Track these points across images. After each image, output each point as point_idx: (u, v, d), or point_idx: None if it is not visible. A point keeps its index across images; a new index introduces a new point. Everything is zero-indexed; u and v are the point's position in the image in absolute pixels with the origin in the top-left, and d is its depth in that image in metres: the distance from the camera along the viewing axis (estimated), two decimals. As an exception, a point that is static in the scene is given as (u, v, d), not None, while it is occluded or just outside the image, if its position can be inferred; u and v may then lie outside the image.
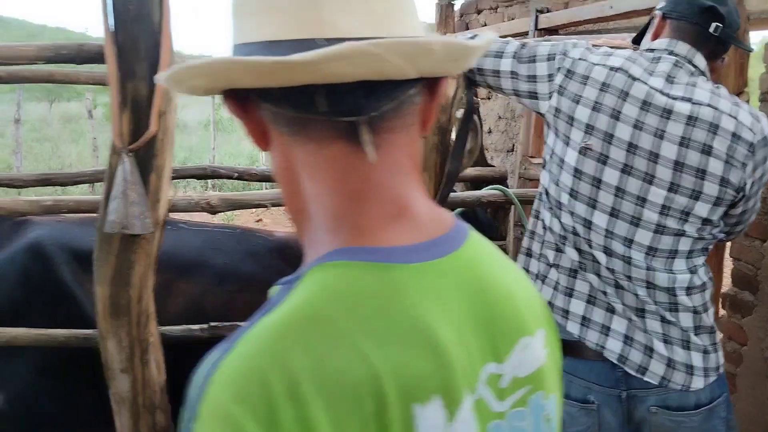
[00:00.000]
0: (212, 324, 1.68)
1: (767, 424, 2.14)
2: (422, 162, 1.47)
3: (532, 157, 2.70)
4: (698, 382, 1.45)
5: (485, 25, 4.37)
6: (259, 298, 1.95)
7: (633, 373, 1.47)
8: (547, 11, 2.81)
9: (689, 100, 1.41)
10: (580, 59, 1.49)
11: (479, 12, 4.56)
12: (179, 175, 2.44)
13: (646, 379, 1.46)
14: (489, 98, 4.51)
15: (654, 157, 1.41)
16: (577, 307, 1.50)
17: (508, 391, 0.58)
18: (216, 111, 13.50)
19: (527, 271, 1.59)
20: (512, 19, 4.00)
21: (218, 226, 2.06)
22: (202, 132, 17.56)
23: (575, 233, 1.49)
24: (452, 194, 1.86)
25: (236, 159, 12.78)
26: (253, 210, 7.60)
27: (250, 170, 2.36)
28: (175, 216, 1.90)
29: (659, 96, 1.42)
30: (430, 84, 0.58)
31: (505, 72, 1.57)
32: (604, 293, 1.49)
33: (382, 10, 0.53)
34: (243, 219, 7.86)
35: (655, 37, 1.52)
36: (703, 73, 1.47)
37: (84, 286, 1.68)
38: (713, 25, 1.43)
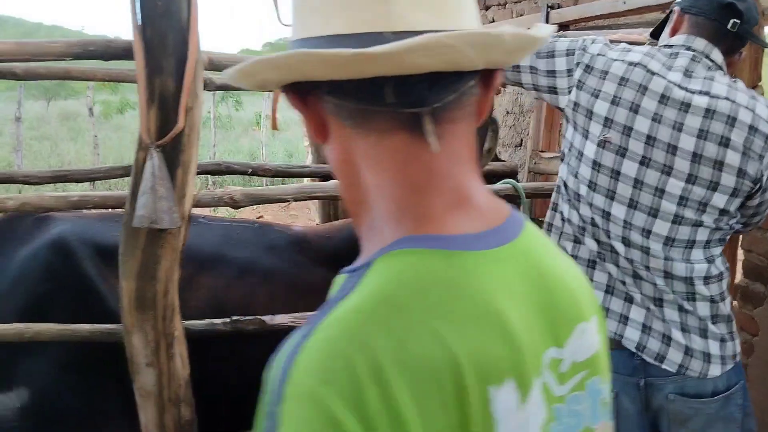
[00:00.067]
0: (234, 318, 1.68)
1: (778, 413, 2.17)
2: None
3: (542, 151, 2.72)
4: (715, 370, 1.48)
5: (493, 21, 4.34)
6: (278, 291, 1.94)
7: (651, 361, 1.49)
8: (558, 7, 2.81)
9: (707, 93, 1.43)
10: (598, 55, 1.51)
11: (487, 8, 4.50)
12: (192, 171, 2.44)
13: (664, 366, 1.48)
14: (497, 93, 4.48)
15: (672, 149, 1.43)
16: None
17: (568, 375, 0.60)
18: (216, 108, 13.45)
19: None
20: (521, 14, 3.98)
21: (236, 220, 2.07)
22: (202, 129, 17.43)
23: (594, 224, 1.51)
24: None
25: (236, 156, 12.74)
26: (254, 207, 7.60)
27: (264, 166, 2.37)
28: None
29: (677, 90, 1.44)
30: (486, 76, 0.60)
31: (524, 67, 1.59)
32: (623, 283, 1.51)
33: (447, 3, 0.55)
34: (243, 215, 7.86)
35: (674, 32, 1.54)
36: (720, 68, 1.49)
37: (107, 281, 1.69)
38: (731, 21, 1.45)
